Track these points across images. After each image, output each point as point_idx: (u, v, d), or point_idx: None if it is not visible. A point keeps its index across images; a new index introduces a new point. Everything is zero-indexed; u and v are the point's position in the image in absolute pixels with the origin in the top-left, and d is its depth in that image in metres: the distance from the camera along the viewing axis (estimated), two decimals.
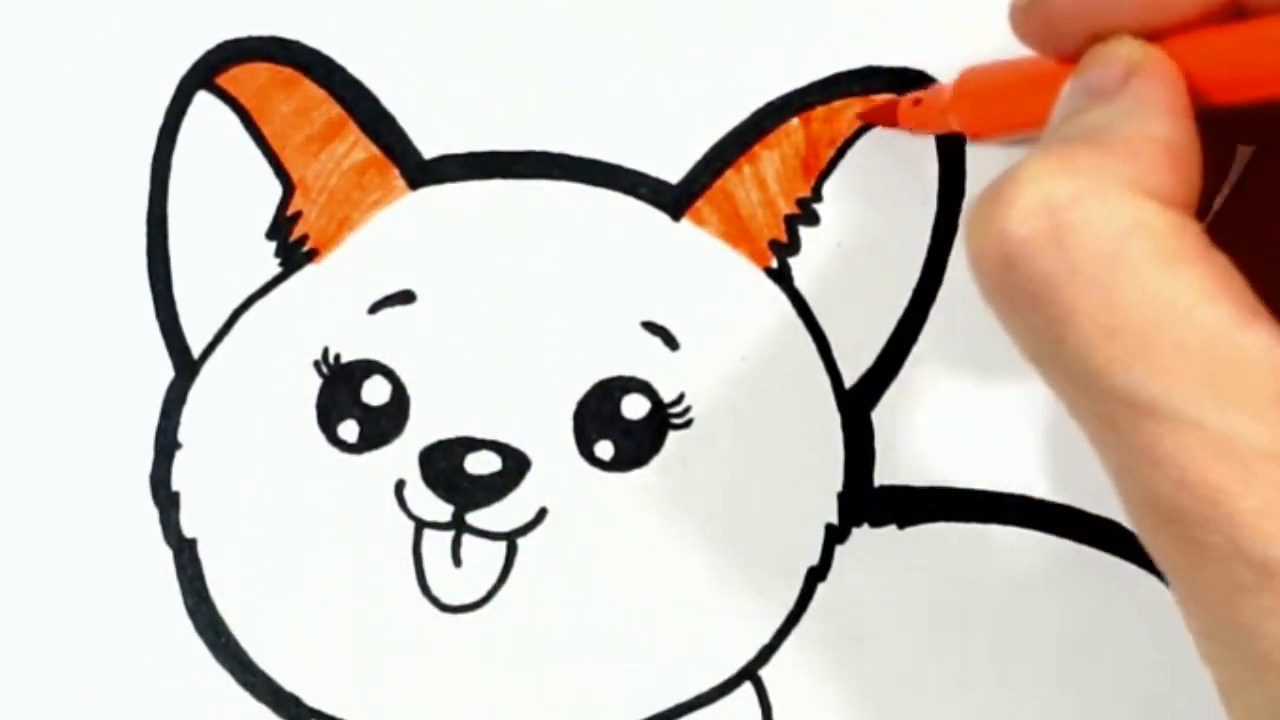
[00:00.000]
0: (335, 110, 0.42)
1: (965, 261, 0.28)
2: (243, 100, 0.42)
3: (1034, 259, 0.27)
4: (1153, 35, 0.29)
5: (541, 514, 0.41)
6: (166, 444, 0.42)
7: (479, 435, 0.41)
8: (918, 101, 0.39)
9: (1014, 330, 0.28)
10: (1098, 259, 0.26)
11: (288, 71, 0.42)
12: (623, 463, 0.41)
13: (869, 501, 0.41)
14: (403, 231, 0.42)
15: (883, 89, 0.41)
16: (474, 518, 0.41)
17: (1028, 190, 0.27)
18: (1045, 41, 0.31)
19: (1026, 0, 0.31)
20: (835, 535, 0.41)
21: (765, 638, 0.41)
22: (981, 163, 0.41)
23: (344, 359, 0.42)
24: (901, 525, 0.41)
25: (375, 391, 0.42)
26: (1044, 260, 0.27)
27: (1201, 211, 0.30)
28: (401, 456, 0.41)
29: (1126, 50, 0.29)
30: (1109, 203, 0.27)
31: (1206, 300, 0.26)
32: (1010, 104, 0.35)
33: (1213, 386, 0.26)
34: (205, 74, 0.42)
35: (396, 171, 0.42)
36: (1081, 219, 0.26)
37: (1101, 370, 0.26)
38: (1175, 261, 0.26)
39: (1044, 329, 0.27)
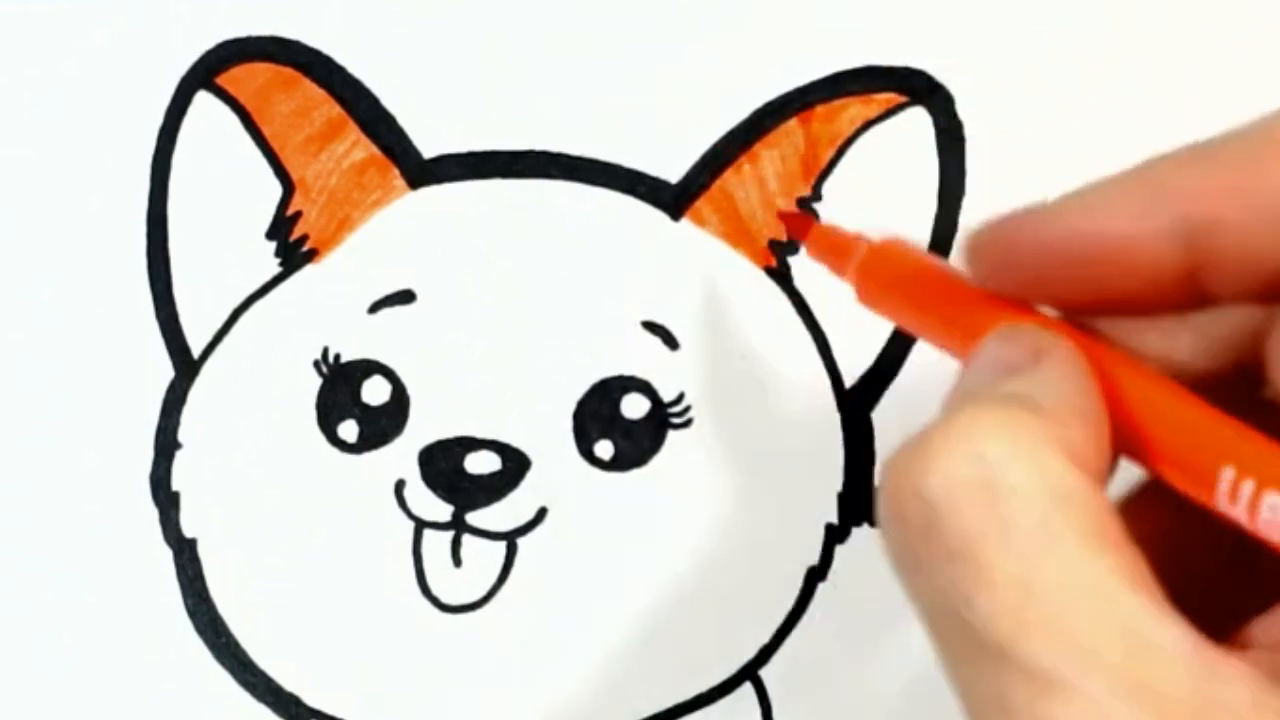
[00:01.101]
0: (335, 110, 0.42)
1: (878, 511, 0.27)
2: (243, 100, 0.42)
3: (961, 513, 0.25)
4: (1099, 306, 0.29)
5: (541, 514, 0.41)
6: (166, 444, 0.42)
7: (479, 435, 0.41)
8: (839, 232, 0.39)
9: (919, 587, 0.27)
10: (1025, 524, 0.25)
11: (288, 71, 0.42)
12: (623, 463, 0.41)
13: (869, 501, 0.41)
14: (403, 231, 0.42)
15: (883, 89, 0.41)
16: (474, 518, 0.41)
17: (962, 443, 0.26)
18: (990, 275, 0.30)
19: (987, 234, 0.30)
20: (835, 535, 0.41)
21: (765, 638, 0.41)
22: (982, 163, 0.41)
23: (344, 359, 0.42)
24: None
25: (375, 391, 0.42)
26: (970, 516, 0.25)
27: None
28: (401, 456, 0.41)
29: (1033, 336, 0.29)
30: (1042, 467, 0.26)
31: (1128, 589, 0.25)
32: (909, 299, 0.34)
33: (1126, 679, 0.24)
34: (205, 74, 0.42)
35: (396, 171, 0.42)
36: (1013, 479, 0.25)
37: (1009, 637, 0.25)
38: (1101, 543, 0.25)
39: (955, 587, 0.26)
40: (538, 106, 0.42)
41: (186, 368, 0.42)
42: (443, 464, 0.41)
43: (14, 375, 0.42)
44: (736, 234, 0.41)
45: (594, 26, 0.42)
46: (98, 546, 0.42)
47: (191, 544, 0.42)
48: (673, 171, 0.42)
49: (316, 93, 0.42)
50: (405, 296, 0.42)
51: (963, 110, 0.42)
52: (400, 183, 0.42)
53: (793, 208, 0.41)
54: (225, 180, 0.42)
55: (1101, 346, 0.28)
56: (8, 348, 0.42)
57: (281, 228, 0.42)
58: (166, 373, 0.42)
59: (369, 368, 0.42)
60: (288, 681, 0.41)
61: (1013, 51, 0.42)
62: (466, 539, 0.41)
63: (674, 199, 0.42)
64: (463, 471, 0.41)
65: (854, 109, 0.41)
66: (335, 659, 0.41)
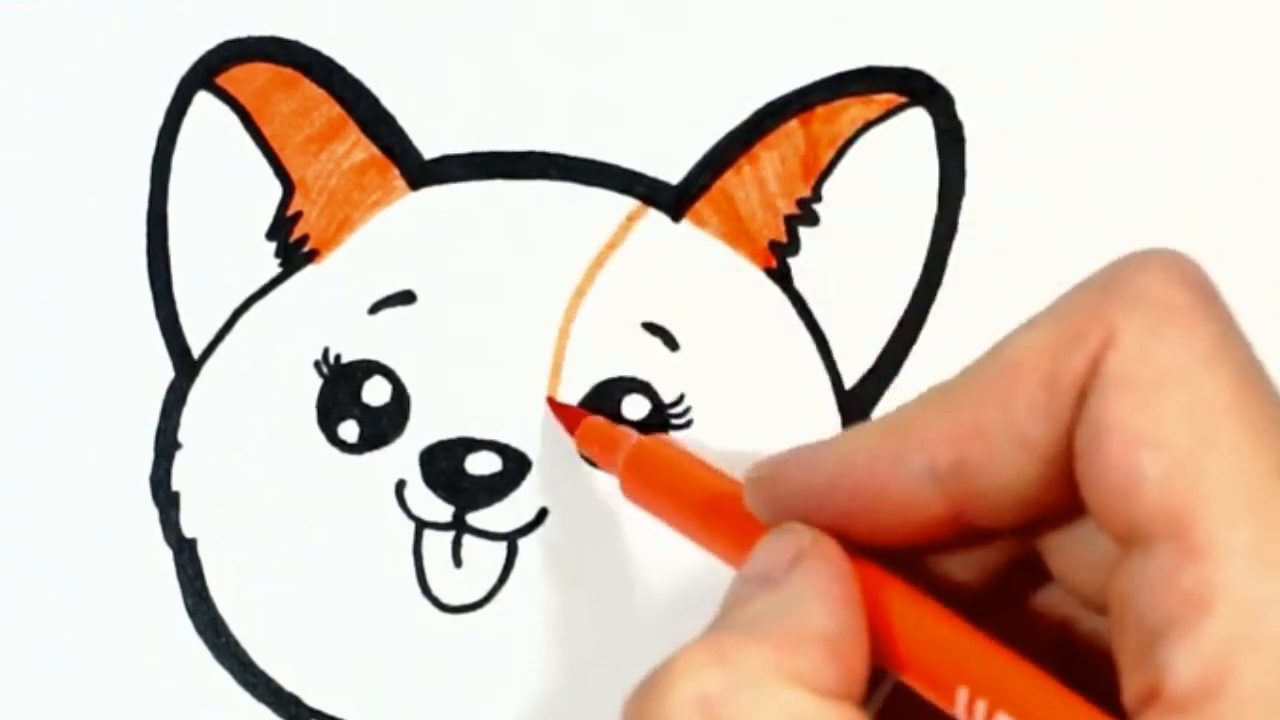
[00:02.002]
0: (335, 110, 0.42)
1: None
2: (243, 100, 0.42)
3: None
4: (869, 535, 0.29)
5: (542, 514, 0.41)
6: (166, 444, 0.42)
7: (479, 435, 0.41)
8: (609, 426, 0.40)
9: None
10: None
11: (288, 71, 0.42)
12: None
13: None
14: (403, 232, 0.42)
15: (883, 89, 0.41)
16: (474, 518, 0.41)
17: (681, 683, 0.26)
18: (765, 511, 0.31)
19: (761, 473, 0.31)
20: None
21: None
22: (982, 163, 0.41)
23: (344, 359, 0.42)
24: None
25: (375, 391, 0.42)
26: None
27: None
28: (402, 457, 0.41)
29: (796, 537, 0.29)
30: (764, 696, 0.26)
31: None
32: (673, 498, 0.35)
33: None
34: (205, 74, 0.42)
35: (397, 172, 0.42)
36: (735, 713, 0.26)
37: None
38: None
39: None
40: (538, 106, 0.42)
41: (186, 368, 0.42)
42: (443, 464, 0.41)
43: (14, 375, 0.42)
44: (737, 235, 0.41)
45: (594, 27, 0.42)
46: (98, 546, 0.42)
47: (191, 544, 0.42)
48: (673, 172, 0.42)
49: (316, 93, 0.42)
50: (406, 297, 0.42)
51: (963, 110, 0.42)
52: (400, 183, 0.42)
53: (793, 208, 0.41)
54: (225, 180, 0.42)
55: (863, 562, 0.29)
56: (8, 348, 0.42)
57: (282, 228, 0.42)
58: (166, 373, 0.42)
59: (369, 368, 0.42)
60: (288, 681, 0.42)
61: (1013, 51, 0.42)
62: (467, 539, 0.41)
63: (674, 200, 0.42)
64: (463, 472, 0.41)
65: (854, 110, 0.41)
66: (335, 659, 0.41)
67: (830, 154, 0.41)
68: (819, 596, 0.28)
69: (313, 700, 0.41)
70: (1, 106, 0.43)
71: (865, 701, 0.28)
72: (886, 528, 0.29)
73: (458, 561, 0.41)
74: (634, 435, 0.38)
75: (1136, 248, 0.41)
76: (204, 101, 0.42)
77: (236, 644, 0.42)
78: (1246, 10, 0.42)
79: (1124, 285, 0.27)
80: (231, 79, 0.42)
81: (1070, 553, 0.29)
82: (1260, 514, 0.25)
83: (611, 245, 0.42)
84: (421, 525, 0.41)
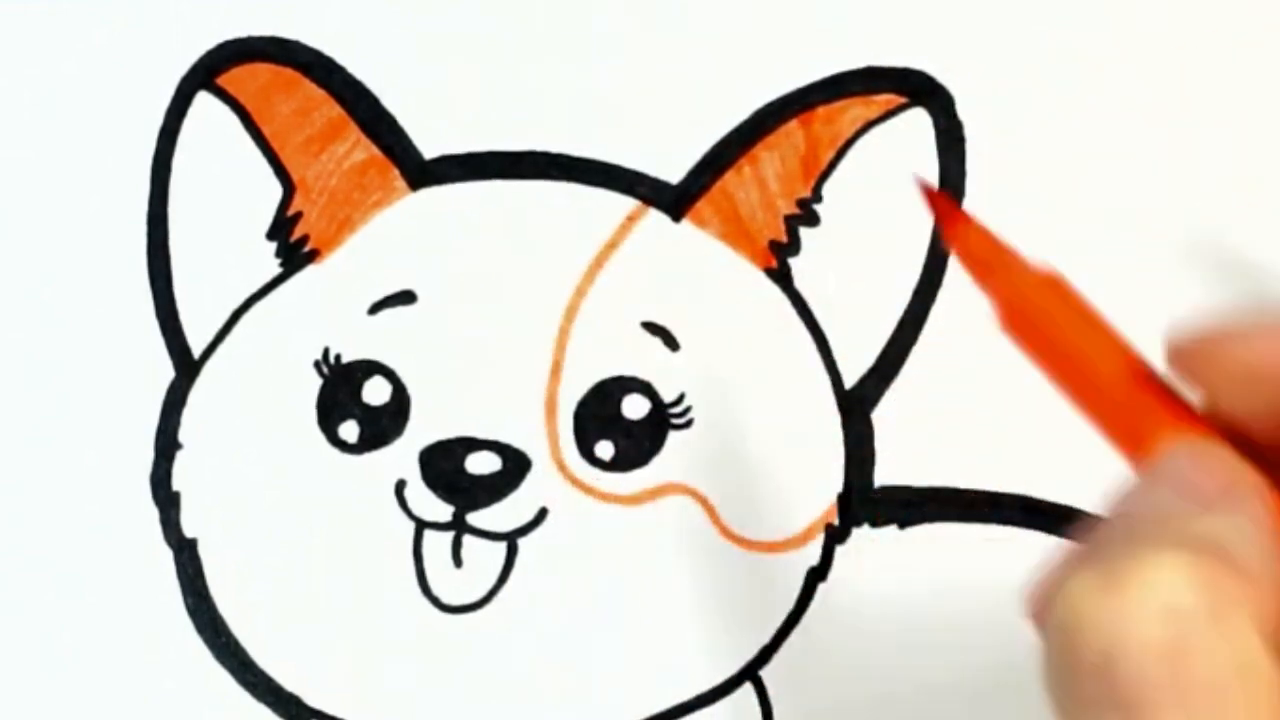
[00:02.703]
0: (335, 110, 0.42)
1: (1043, 628, 0.25)
2: (243, 100, 0.42)
3: (1142, 670, 0.24)
4: None
5: (542, 514, 0.41)
6: (166, 444, 0.42)
7: (479, 435, 0.41)
8: (997, 243, 0.35)
9: (1073, 718, 0.26)
10: (1204, 695, 0.24)
11: (288, 72, 0.42)
12: (623, 463, 0.41)
13: (869, 501, 0.41)
14: (403, 232, 0.42)
15: (883, 89, 0.41)
16: (474, 518, 0.41)
17: (1155, 592, 0.25)
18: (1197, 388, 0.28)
19: (1182, 346, 0.28)
20: (835, 535, 0.41)
21: (765, 638, 0.41)
22: (982, 163, 0.41)
23: (344, 359, 0.42)
24: (902, 525, 0.41)
25: (375, 391, 0.42)
26: (1151, 675, 0.24)
27: None
28: (402, 456, 0.41)
29: (1226, 462, 0.27)
30: (1232, 634, 0.25)
31: None
32: (1061, 353, 0.31)
33: None
34: (205, 74, 0.42)
35: (397, 172, 0.42)
36: (1203, 642, 0.24)
37: None
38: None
39: None
40: (538, 106, 0.42)
41: (187, 368, 0.42)
42: (443, 464, 0.41)
43: (14, 375, 0.42)
44: (737, 235, 0.41)
45: (594, 26, 0.42)
46: (98, 546, 0.42)
47: (191, 544, 0.42)
48: (673, 172, 0.42)
49: (317, 93, 0.42)
50: (406, 297, 0.42)
51: (963, 110, 0.42)
52: (401, 183, 0.42)
53: (793, 208, 0.41)
54: (225, 181, 0.42)
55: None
56: (8, 348, 0.42)
57: (282, 228, 0.42)
58: (167, 373, 0.42)
59: (369, 368, 0.42)
60: (288, 681, 0.41)
61: (1013, 51, 0.42)
62: (467, 539, 0.41)
63: (675, 200, 0.42)
64: (463, 472, 0.41)
65: (854, 110, 0.41)
66: (335, 659, 0.41)
67: (830, 154, 0.41)
68: (1263, 530, 0.26)
69: (313, 700, 0.41)
70: (1, 106, 0.43)
71: None
72: None
73: (458, 561, 0.41)
74: (1025, 261, 0.32)
75: (1136, 247, 0.41)
76: (204, 101, 0.42)
77: (236, 644, 0.42)
78: (1246, 10, 0.42)
79: None
80: (232, 79, 0.42)
81: None
82: None
83: (611, 245, 0.42)
84: (421, 525, 0.41)
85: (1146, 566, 0.25)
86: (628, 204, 0.42)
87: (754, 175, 0.42)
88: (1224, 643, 0.25)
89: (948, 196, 0.39)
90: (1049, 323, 0.32)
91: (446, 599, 0.41)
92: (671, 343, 0.41)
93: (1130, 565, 0.25)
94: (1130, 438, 0.29)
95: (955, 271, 0.41)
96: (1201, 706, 0.24)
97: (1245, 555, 0.25)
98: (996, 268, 0.32)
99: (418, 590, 0.41)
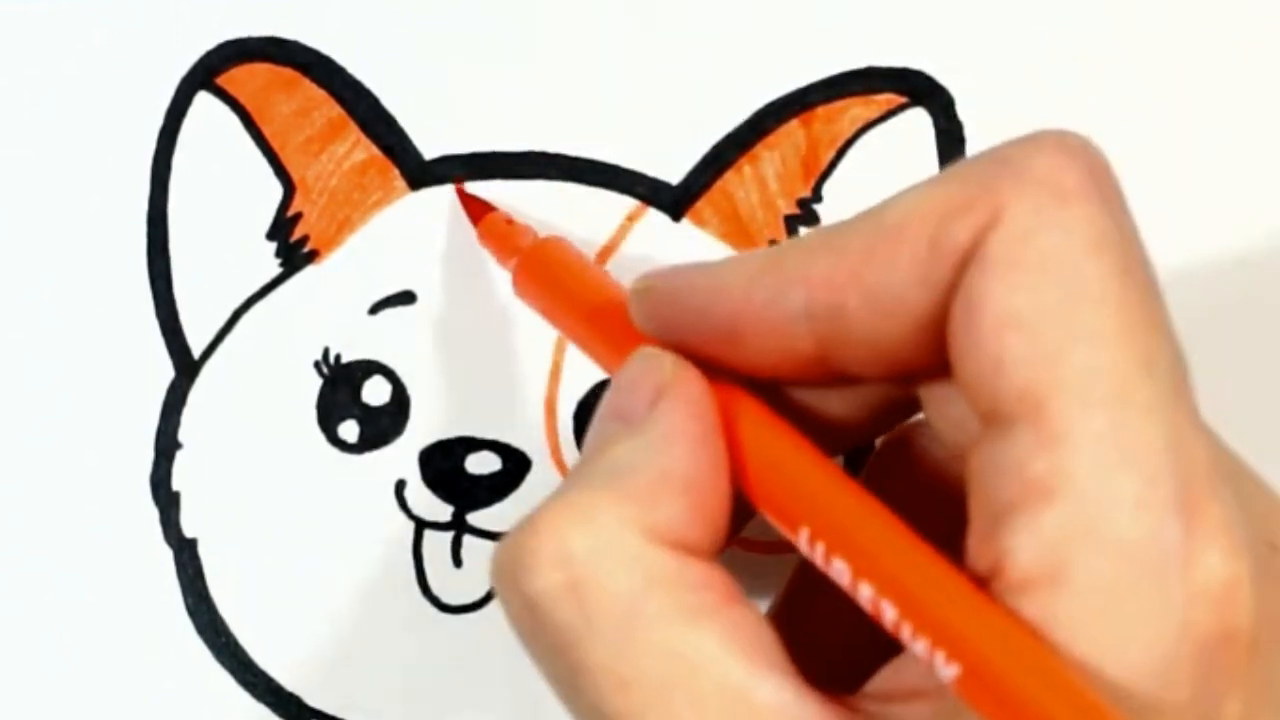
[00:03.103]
0: (335, 110, 0.42)
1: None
2: (243, 100, 0.42)
3: (552, 612, 0.27)
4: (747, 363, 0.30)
5: None
6: (166, 444, 0.42)
7: (479, 435, 0.41)
8: (509, 222, 0.40)
9: (542, 671, 0.28)
10: (613, 615, 0.26)
11: (288, 72, 0.42)
12: None
13: None
14: (403, 232, 0.42)
15: (883, 90, 0.41)
16: (474, 518, 0.41)
17: (546, 542, 0.27)
18: (645, 324, 0.31)
19: (643, 287, 0.32)
20: None
21: None
22: None
23: (344, 359, 0.42)
24: None
25: (375, 391, 0.42)
26: (561, 613, 0.27)
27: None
28: (402, 456, 0.41)
29: (661, 367, 0.30)
30: (626, 556, 0.27)
31: (724, 653, 0.26)
32: (560, 301, 0.36)
33: None
34: (205, 74, 0.42)
35: (397, 172, 0.42)
36: (597, 574, 0.27)
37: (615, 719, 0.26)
38: (693, 616, 0.26)
39: (564, 677, 0.27)
40: (538, 106, 0.42)
41: (186, 368, 0.42)
42: (443, 464, 0.41)
43: (14, 375, 0.42)
44: (737, 235, 0.41)
45: (594, 26, 0.42)
46: (98, 546, 0.42)
47: (191, 544, 0.42)
48: (673, 172, 0.42)
49: (317, 93, 0.42)
50: (406, 297, 0.42)
51: (963, 110, 0.42)
52: (401, 183, 0.42)
53: (793, 208, 0.41)
54: (225, 181, 0.42)
55: (728, 387, 0.29)
56: (8, 348, 0.42)
57: (282, 228, 0.42)
58: (166, 373, 0.42)
59: (369, 368, 0.42)
60: (288, 681, 0.42)
61: (1013, 51, 0.42)
62: (467, 539, 0.41)
63: (674, 200, 0.42)
64: (463, 472, 0.41)
65: (855, 110, 0.41)
66: (335, 659, 0.41)
67: (830, 154, 0.41)
68: (679, 438, 0.28)
69: (313, 700, 0.41)
70: (1, 106, 0.43)
71: (727, 541, 0.28)
72: (756, 359, 0.29)
73: (458, 561, 0.41)
74: (535, 234, 0.38)
75: None
76: (204, 102, 0.42)
77: (236, 644, 0.42)
78: (1247, 10, 0.42)
79: (1019, 163, 0.27)
80: (232, 79, 0.42)
81: (942, 407, 0.29)
82: (1117, 408, 0.25)
83: (611, 245, 0.42)
84: (421, 525, 0.41)
85: (539, 521, 0.27)
86: (627, 204, 0.42)
87: (754, 175, 0.41)
88: (619, 569, 0.27)
89: (472, 195, 0.41)
90: (549, 273, 0.36)
91: (446, 599, 0.41)
92: None
93: (528, 525, 0.27)
94: (615, 358, 0.32)
95: None
96: (613, 632, 0.26)
97: (648, 476, 0.28)
98: (510, 241, 0.38)
99: (417, 590, 0.41)
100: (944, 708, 0.26)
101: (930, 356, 0.27)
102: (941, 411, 0.29)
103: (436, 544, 0.41)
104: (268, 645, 0.42)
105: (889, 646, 0.27)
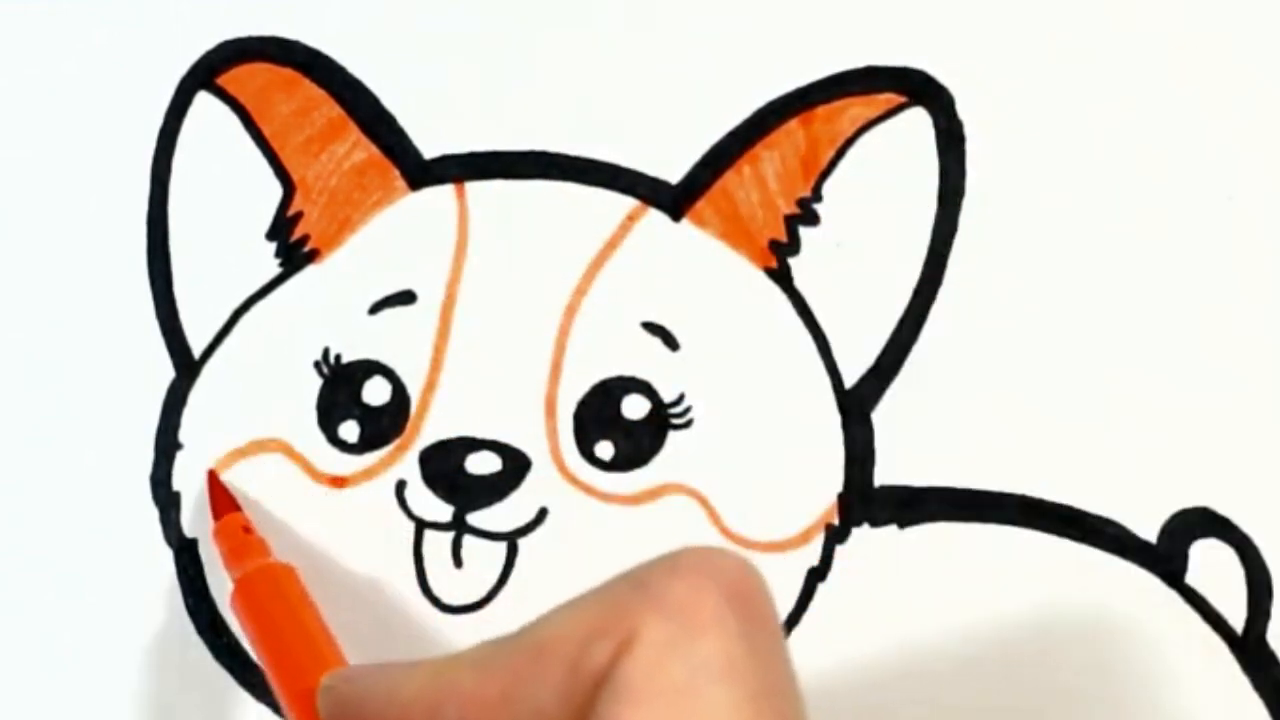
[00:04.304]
0: (335, 110, 0.42)
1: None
2: (243, 100, 0.42)
3: None
4: None
5: (542, 514, 0.41)
6: (167, 444, 0.42)
7: (479, 435, 0.41)
8: (247, 530, 0.41)
9: None
10: None
11: (288, 71, 0.42)
12: (623, 463, 0.41)
13: (869, 501, 0.41)
14: (403, 232, 0.42)
15: (883, 89, 0.41)
16: (474, 518, 0.41)
17: None
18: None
19: (330, 685, 0.34)
20: (835, 535, 0.41)
21: None
22: (982, 163, 0.41)
23: (344, 359, 0.42)
24: (901, 525, 0.41)
25: (375, 391, 0.42)
26: None
27: None
28: (402, 456, 0.41)
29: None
30: None
31: None
32: (264, 646, 0.38)
33: None
34: (205, 74, 0.42)
35: (397, 172, 0.42)
36: None
37: None
38: None
39: None
40: (538, 106, 0.42)
41: (186, 368, 0.42)
42: (443, 464, 0.41)
43: (14, 375, 0.42)
44: (737, 235, 0.41)
45: (594, 26, 0.42)
46: (98, 546, 0.42)
47: (192, 544, 0.42)
48: (673, 172, 0.42)
49: (317, 93, 0.42)
50: (406, 297, 0.42)
51: (963, 110, 0.42)
52: (401, 183, 0.42)
53: (793, 208, 0.41)
54: (226, 181, 0.42)
55: None
56: (8, 348, 0.42)
57: (282, 228, 0.42)
58: (166, 373, 0.42)
59: (369, 368, 0.42)
60: None
61: (1013, 51, 0.42)
62: (467, 539, 0.41)
63: (674, 200, 0.42)
64: (463, 472, 0.41)
65: (855, 109, 0.41)
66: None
67: (830, 154, 0.41)
68: None
69: None
70: (1, 106, 0.43)
71: None
72: None
73: (458, 561, 0.41)
74: (266, 557, 0.40)
75: (1136, 248, 0.41)
76: (204, 101, 0.42)
77: (236, 644, 0.42)
78: (1247, 10, 0.42)
79: (656, 589, 0.28)
80: (232, 79, 0.42)
81: None
82: None
83: (611, 245, 0.42)
84: (421, 525, 0.41)
85: None
86: (628, 204, 0.42)
87: (754, 175, 0.41)
88: None
89: (223, 488, 0.42)
90: (261, 605, 0.39)
91: (446, 599, 0.41)
92: (671, 343, 0.41)
93: None
94: (297, 708, 0.35)
95: (955, 271, 0.41)
96: None
97: None
98: (243, 554, 0.40)
99: (418, 590, 0.41)
100: None
101: None
102: None
103: (436, 544, 0.41)
104: None
105: None
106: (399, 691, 0.31)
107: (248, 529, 0.40)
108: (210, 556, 0.42)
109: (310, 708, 0.34)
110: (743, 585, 0.28)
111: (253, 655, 0.41)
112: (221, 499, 0.41)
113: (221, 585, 0.42)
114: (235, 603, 0.39)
